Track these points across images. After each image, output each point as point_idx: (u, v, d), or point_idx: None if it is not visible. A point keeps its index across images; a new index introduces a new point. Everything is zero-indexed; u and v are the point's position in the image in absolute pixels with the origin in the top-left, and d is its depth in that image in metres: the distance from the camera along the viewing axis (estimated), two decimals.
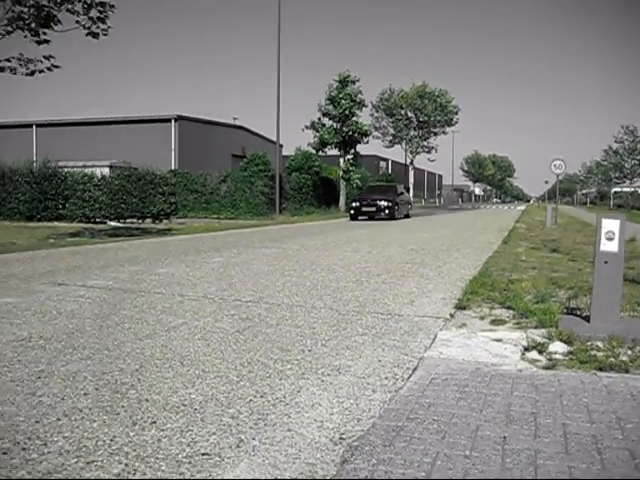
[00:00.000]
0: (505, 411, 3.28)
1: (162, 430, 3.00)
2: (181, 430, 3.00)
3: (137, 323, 5.38)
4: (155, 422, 3.10)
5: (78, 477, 2.53)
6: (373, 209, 28.50)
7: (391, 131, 66.12)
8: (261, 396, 3.48)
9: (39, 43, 14.70)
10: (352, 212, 28.91)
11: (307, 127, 39.99)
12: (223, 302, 6.42)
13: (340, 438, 2.93)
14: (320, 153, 40.89)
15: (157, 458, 2.70)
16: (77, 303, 6.38)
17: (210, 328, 5.19)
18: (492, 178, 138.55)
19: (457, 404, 3.40)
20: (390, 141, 66.43)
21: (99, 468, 2.60)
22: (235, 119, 47.48)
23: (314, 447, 2.83)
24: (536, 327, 5.21)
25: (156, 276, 8.44)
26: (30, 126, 40.58)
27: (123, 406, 3.32)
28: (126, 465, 2.63)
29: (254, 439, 2.90)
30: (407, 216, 31.69)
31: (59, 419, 3.14)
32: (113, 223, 23.32)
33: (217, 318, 5.59)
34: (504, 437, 2.94)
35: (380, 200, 28.66)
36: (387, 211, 28.33)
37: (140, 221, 23.78)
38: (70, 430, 3.00)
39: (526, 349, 4.54)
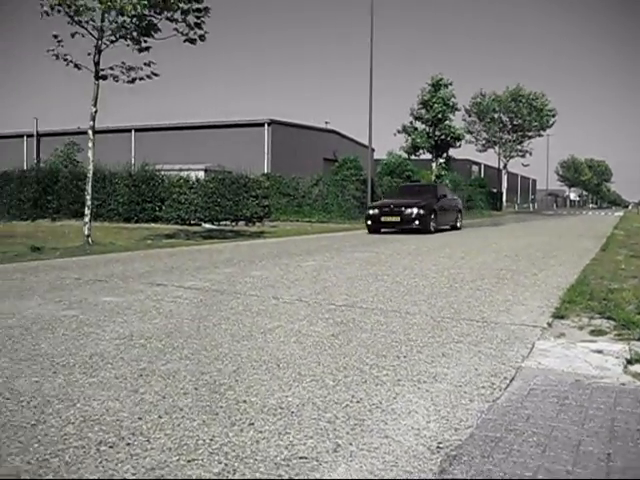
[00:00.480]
0: (608, 426, 3.17)
1: (260, 432, 3.04)
2: (279, 432, 3.03)
3: (234, 325, 5.48)
4: (253, 424, 3.14)
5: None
6: (396, 219, 21.01)
7: (484, 135, 65.18)
8: (357, 401, 3.48)
9: (140, 51, 15.21)
10: (369, 222, 21.49)
11: (399, 131, 39.97)
12: (317, 306, 6.46)
13: (437, 447, 2.90)
14: (412, 157, 40.72)
15: (256, 459, 2.73)
16: (175, 303, 6.56)
17: (305, 331, 5.23)
18: (588, 183, 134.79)
19: (557, 417, 3.30)
20: (483, 145, 65.51)
21: (200, 467, 2.66)
22: (327, 123, 47.77)
23: (411, 455, 2.81)
24: (639, 339, 5.02)
25: (251, 278, 8.57)
26: (129, 131, 41.95)
27: (222, 406, 3.38)
28: (226, 465, 2.68)
29: (351, 444, 2.90)
30: (455, 227, 24.21)
31: (160, 417, 3.23)
32: (207, 225, 23.83)
33: (312, 322, 5.63)
34: (608, 454, 2.84)
35: (407, 206, 21.00)
36: (417, 221, 20.68)
37: (233, 224, 24.22)
38: (171, 428, 3.08)
39: (629, 362, 4.37)
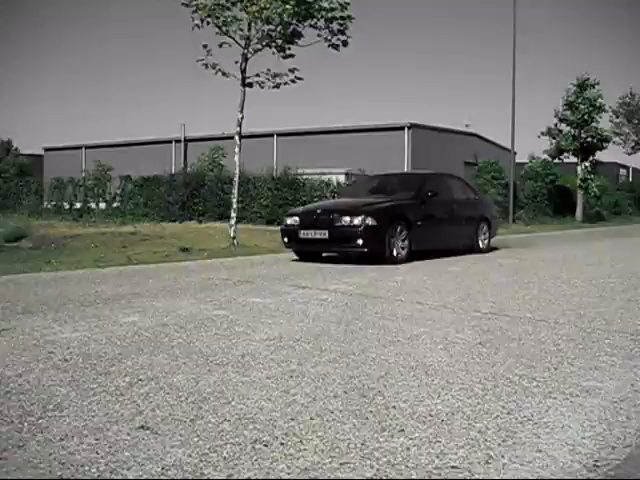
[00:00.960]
0: None
1: (411, 439, 3.04)
2: (429, 440, 3.02)
3: (380, 329, 5.51)
4: (403, 430, 3.15)
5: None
6: (323, 235, 11.73)
7: (633, 137, 62.11)
8: (508, 413, 3.41)
9: (285, 58, 15.60)
10: (286, 240, 12.66)
11: (543, 133, 38.75)
12: (463, 312, 6.39)
13: (594, 465, 2.79)
14: (555, 160, 39.45)
15: (407, 466, 2.74)
16: (321, 306, 6.68)
17: (451, 339, 5.18)
18: None
19: None
20: (632, 147, 62.45)
21: (352, 470, 2.69)
22: (467, 125, 46.99)
23: (566, 472, 2.72)
24: None
25: (394, 283, 8.60)
26: (271, 135, 42.93)
27: (371, 411, 3.41)
28: (377, 470, 2.70)
29: (503, 457, 2.86)
30: (476, 249, 14.26)
31: (312, 418, 3.30)
32: None
33: (458, 329, 5.58)
34: None
35: (344, 213, 11.79)
36: (362, 240, 11.37)
37: None
38: (323, 430, 3.14)
39: None
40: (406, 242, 11.86)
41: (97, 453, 2.84)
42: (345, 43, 15.77)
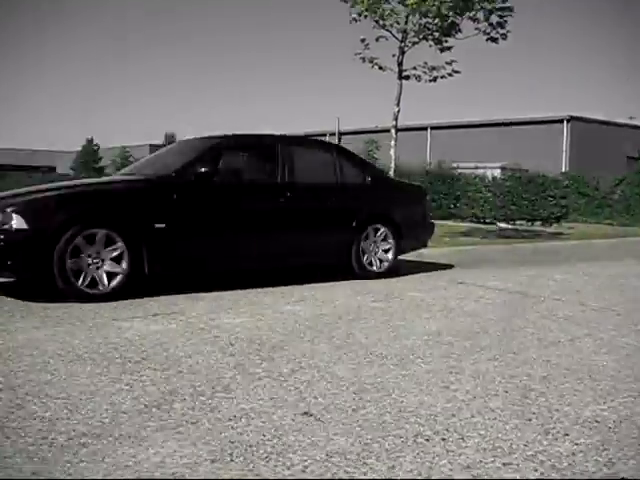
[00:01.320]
0: None
1: (576, 444, 2.96)
2: (596, 448, 2.92)
3: (540, 329, 5.38)
4: (568, 434, 3.07)
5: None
6: None
7: None
8: None
9: (442, 51, 15.44)
10: None
11: None
12: (627, 316, 6.11)
13: None
14: None
15: (573, 472, 2.67)
16: (478, 303, 6.61)
17: (616, 342, 4.97)
18: None
19: None
20: None
21: (515, 471, 2.66)
22: (631, 118, 44.49)
23: None
24: None
25: (553, 282, 8.34)
26: (425, 129, 42.67)
27: (534, 412, 3.35)
28: (542, 473, 2.65)
29: None
30: (354, 271, 8.10)
31: (473, 416, 3.29)
32: (502, 224, 23.49)
33: (622, 333, 5.34)
34: None
35: None
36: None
37: (529, 224, 23.62)
38: (484, 429, 3.12)
39: None
40: (125, 261, 6.42)
41: (264, 435, 2.97)
42: (504, 36, 15.39)
